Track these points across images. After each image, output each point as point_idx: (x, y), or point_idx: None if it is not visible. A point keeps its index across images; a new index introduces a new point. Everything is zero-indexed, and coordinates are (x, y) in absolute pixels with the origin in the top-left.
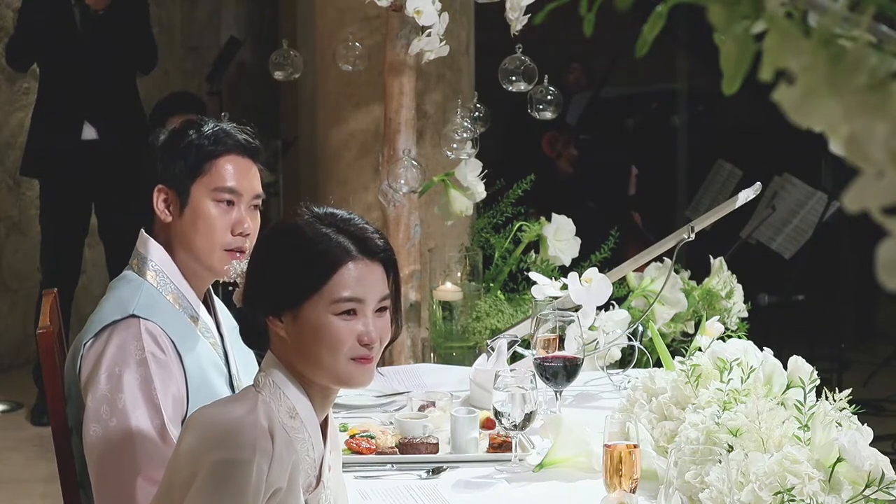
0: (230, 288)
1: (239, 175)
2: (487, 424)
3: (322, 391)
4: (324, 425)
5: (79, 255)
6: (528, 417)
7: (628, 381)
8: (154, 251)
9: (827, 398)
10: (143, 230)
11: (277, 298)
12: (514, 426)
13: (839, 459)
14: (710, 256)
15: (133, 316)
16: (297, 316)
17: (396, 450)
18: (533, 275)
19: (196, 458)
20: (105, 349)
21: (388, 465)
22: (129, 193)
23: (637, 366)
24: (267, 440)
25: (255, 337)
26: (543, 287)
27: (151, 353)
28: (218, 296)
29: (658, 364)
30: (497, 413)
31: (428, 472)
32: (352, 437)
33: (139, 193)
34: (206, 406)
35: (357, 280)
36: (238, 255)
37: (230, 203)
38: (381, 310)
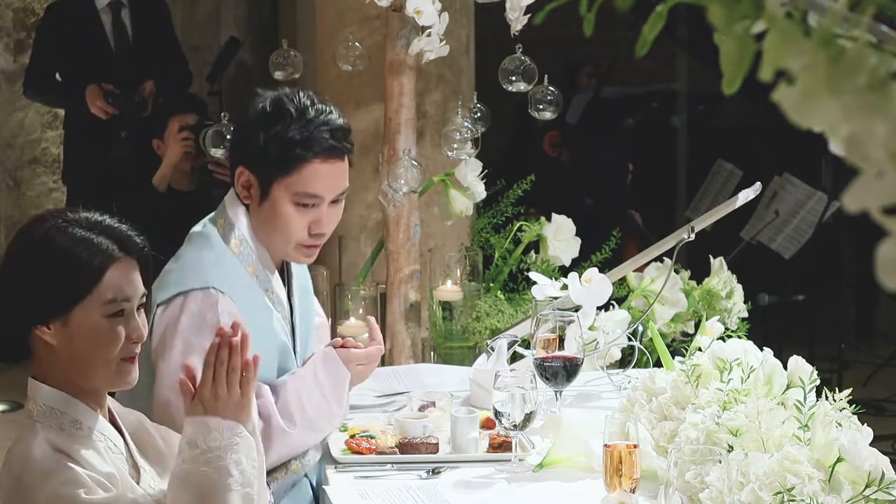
0: None
1: (325, 180)
2: (487, 424)
3: (94, 393)
4: (110, 417)
5: None
6: (528, 417)
7: (628, 381)
8: (242, 219)
9: (827, 398)
10: (232, 190)
11: (46, 307)
12: (514, 426)
13: (839, 459)
14: (710, 256)
15: (214, 288)
16: (66, 322)
17: (396, 450)
18: (533, 275)
19: None
20: (181, 315)
21: (388, 465)
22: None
23: (637, 366)
24: (57, 454)
25: (12, 347)
26: (543, 287)
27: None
28: None
29: (658, 364)
30: (497, 413)
31: (428, 472)
32: (352, 437)
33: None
34: None
35: (123, 279)
36: (311, 249)
37: (311, 205)
38: (140, 307)
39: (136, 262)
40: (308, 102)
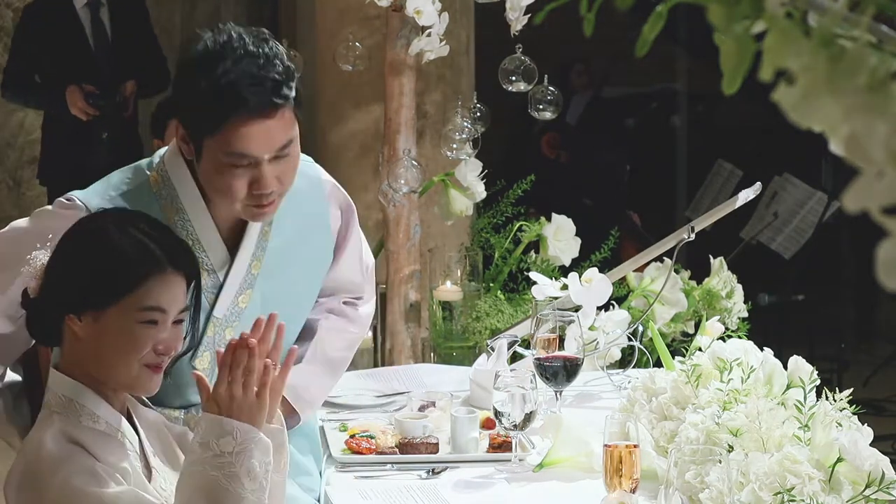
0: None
1: (255, 140)
2: (487, 424)
3: (113, 392)
4: (128, 415)
5: None
6: (528, 417)
7: (628, 381)
8: (174, 157)
9: (827, 398)
10: (173, 143)
11: (83, 298)
12: (514, 426)
13: (839, 459)
14: (710, 256)
15: (81, 201)
16: (98, 318)
17: (396, 450)
18: (533, 275)
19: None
20: (34, 213)
21: (388, 465)
22: None
23: (637, 366)
24: (71, 445)
25: (44, 331)
26: (543, 287)
27: None
28: None
29: (658, 364)
30: (497, 413)
31: (428, 472)
32: (352, 437)
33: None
34: (12, 467)
35: (165, 291)
36: (260, 208)
37: (247, 164)
38: (177, 322)
39: (183, 278)
40: (237, 46)
